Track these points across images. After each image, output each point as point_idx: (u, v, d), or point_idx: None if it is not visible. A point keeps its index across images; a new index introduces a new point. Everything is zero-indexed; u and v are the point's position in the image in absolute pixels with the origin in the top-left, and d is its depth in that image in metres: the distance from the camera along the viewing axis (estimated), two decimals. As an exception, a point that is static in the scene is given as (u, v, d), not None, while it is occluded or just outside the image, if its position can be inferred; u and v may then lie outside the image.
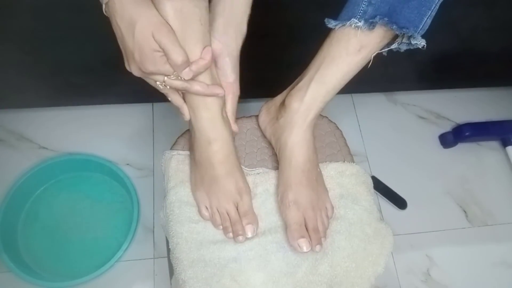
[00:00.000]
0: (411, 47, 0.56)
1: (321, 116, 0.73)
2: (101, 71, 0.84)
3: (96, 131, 1.01)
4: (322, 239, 0.61)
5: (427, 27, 0.53)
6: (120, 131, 1.02)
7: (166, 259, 0.70)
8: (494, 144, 1.14)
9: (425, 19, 0.53)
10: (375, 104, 1.15)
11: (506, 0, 0.80)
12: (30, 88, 0.88)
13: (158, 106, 1.06)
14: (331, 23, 0.57)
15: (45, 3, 0.65)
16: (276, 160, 0.67)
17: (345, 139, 0.76)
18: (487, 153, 1.13)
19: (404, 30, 0.52)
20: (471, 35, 0.85)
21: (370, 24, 0.53)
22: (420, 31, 0.53)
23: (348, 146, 0.75)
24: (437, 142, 1.13)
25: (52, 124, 1.01)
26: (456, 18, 0.77)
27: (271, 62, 0.88)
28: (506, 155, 1.12)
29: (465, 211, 1.04)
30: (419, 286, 0.94)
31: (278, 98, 0.67)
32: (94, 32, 0.71)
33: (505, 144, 1.12)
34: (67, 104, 1.00)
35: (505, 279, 0.98)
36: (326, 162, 0.71)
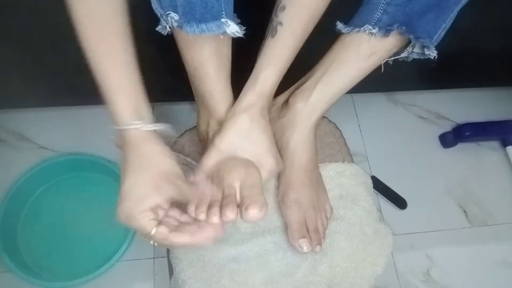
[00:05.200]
0: (422, 57, 0.56)
1: (320, 116, 0.73)
2: (101, 71, 0.84)
3: (96, 131, 1.00)
4: (322, 240, 0.61)
5: (440, 39, 0.54)
6: (120, 131, 1.02)
7: (166, 259, 0.70)
8: (494, 144, 1.14)
9: (440, 31, 0.53)
10: (375, 104, 1.15)
11: (506, 0, 0.80)
12: (30, 88, 0.88)
13: (158, 106, 1.06)
14: (342, 28, 0.57)
15: (45, 3, 0.65)
16: (276, 160, 0.66)
17: (344, 139, 0.76)
18: (487, 153, 1.13)
19: (420, 40, 0.53)
20: (471, 35, 0.84)
21: (386, 31, 0.53)
22: (434, 42, 0.54)
23: (347, 146, 0.75)
24: (437, 142, 1.12)
25: (52, 124, 1.00)
26: (456, 17, 0.77)
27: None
28: (506, 155, 1.12)
29: (465, 211, 1.04)
30: (419, 286, 0.94)
31: (280, 98, 0.67)
32: (94, 32, 0.71)
33: (505, 144, 1.12)
34: (67, 104, 1.00)
35: (505, 279, 0.97)
36: (325, 162, 0.71)
